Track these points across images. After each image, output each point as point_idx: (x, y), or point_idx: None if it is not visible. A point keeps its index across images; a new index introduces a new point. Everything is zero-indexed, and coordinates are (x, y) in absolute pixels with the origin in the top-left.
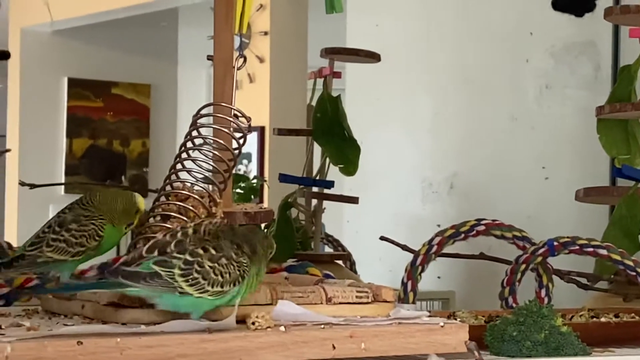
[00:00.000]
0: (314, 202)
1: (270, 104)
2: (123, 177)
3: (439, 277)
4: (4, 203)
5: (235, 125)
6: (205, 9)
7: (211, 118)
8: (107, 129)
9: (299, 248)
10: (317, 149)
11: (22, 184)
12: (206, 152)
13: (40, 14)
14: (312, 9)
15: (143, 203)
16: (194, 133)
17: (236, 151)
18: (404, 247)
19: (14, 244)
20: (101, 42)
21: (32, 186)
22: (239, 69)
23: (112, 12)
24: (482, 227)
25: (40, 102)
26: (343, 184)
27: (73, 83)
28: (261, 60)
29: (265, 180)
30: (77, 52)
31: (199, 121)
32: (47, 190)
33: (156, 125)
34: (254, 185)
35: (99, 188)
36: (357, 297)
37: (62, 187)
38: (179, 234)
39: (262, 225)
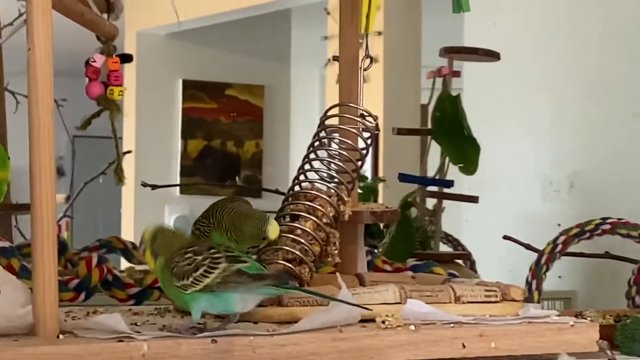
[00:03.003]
0: (433, 201)
1: (384, 104)
2: (237, 178)
3: (560, 277)
4: (121, 203)
5: (362, 125)
6: (319, 9)
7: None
8: (221, 130)
9: (418, 248)
10: (433, 149)
11: (144, 184)
12: (334, 152)
13: (155, 17)
14: (426, 8)
15: (276, 232)
16: (322, 134)
17: (364, 151)
18: (528, 246)
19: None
20: (215, 44)
21: (153, 187)
22: (365, 69)
23: (226, 15)
24: (607, 226)
25: (155, 104)
26: (462, 183)
27: (188, 85)
28: (375, 60)
29: (384, 180)
30: (192, 54)
31: (326, 121)
32: (163, 191)
33: (270, 126)
34: (372, 184)
35: (236, 204)
36: (485, 296)
37: (178, 188)
38: None
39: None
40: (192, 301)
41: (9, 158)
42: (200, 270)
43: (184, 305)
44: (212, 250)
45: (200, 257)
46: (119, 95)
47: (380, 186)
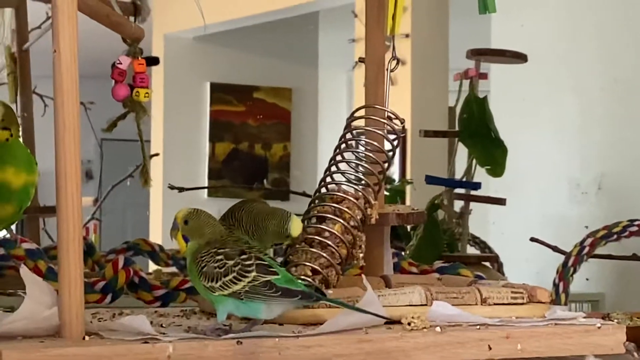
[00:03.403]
0: (460, 203)
1: (411, 106)
2: (265, 181)
3: (587, 279)
4: (149, 206)
5: (389, 127)
6: (346, 12)
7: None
8: (249, 133)
9: (445, 250)
10: (460, 151)
11: (171, 187)
12: (360, 154)
13: (183, 20)
14: (454, 10)
15: (299, 229)
16: (348, 135)
17: (390, 153)
18: (555, 248)
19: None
20: (243, 47)
21: (181, 189)
22: (391, 71)
23: (253, 18)
24: (635, 228)
25: (183, 107)
26: (488, 185)
27: (215, 88)
28: (402, 62)
29: (412, 182)
30: (220, 57)
31: (352, 123)
32: (190, 193)
33: (297, 129)
34: (399, 186)
35: (256, 205)
36: (512, 297)
37: (205, 190)
38: None
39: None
40: (219, 303)
41: (36, 163)
42: (230, 276)
43: (206, 297)
44: (244, 257)
45: (231, 262)
46: (145, 97)
47: (408, 188)
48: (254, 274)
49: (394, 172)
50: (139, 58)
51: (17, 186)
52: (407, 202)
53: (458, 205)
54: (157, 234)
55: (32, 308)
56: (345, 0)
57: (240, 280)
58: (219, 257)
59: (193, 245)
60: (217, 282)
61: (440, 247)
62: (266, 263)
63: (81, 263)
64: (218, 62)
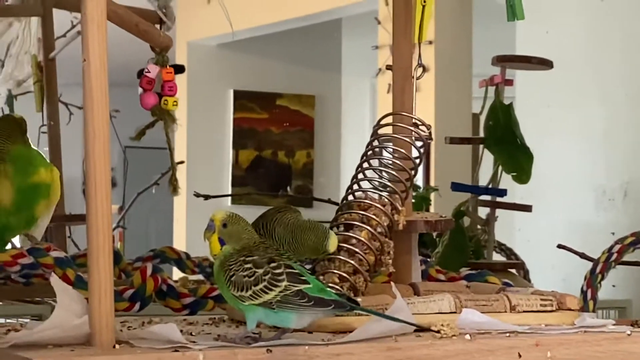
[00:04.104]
0: (486, 210)
1: (435, 113)
2: (288, 188)
3: (613, 286)
4: (173, 213)
5: (415, 134)
6: (369, 19)
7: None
8: (272, 140)
9: (471, 257)
10: (485, 157)
11: (196, 194)
12: (387, 161)
13: (206, 27)
14: (477, 16)
15: (335, 245)
16: (375, 143)
17: (417, 160)
18: (582, 255)
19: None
20: (266, 54)
21: (206, 197)
22: (418, 78)
23: (276, 25)
24: None
25: (206, 114)
26: (514, 192)
27: (239, 95)
28: (427, 69)
29: (437, 189)
30: (242, 64)
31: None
32: (214, 201)
33: (321, 136)
34: (425, 194)
35: (289, 215)
36: (541, 305)
37: (229, 198)
38: None
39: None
40: (249, 312)
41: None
42: (261, 285)
43: (234, 306)
44: (273, 265)
45: (261, 271)
46: (173, 105)
47: (432, 195)
48: (285, 283)
49: (418, 179)
50: (167, 67)
51: (49, 182)
52: (432, 210)
53: (483, 212)
54: (181, 242)
55: (63, 316)
56: (368, 7)
57: (271, 290)
58: (248, 266)
59: (227, 249)
60: (247, 291)
61: (467, 254)
62: (297, 271)
63: (111, 271)
64: (241, 70)
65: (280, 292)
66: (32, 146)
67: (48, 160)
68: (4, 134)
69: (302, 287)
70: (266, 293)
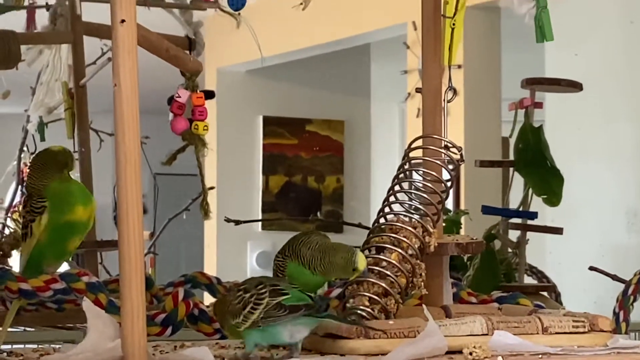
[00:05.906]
0: (516, 233)
1: (464, 137)
2: (319, 213)
3: None
4: (204, 239)
5: (447, 156)
6: (398, 44)
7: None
8: (302, 166)
9: (502, 280)
10: (516, 180)
11: (227, 220)
12: (418, 184)
13: (235, 54)
14: (505, 40)
15: (364, 263)
16: (406, 166)
17: (449, 182)
18: (614, 277)
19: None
20: (295, 80)
21: (237, 222)
22: (449, 101)
23: (305, 51)
24: None
25: (236, 140)
26: (545, 214)
27: (268, 121)
28: (457, 92)
29: (467, 212)
30: (272, 90)
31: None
32: (245, 226)
33: (350, 161)
34: (456, 217)
35: (315, 237)
36: (573, 326)
37: (260, 223)
38: None
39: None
40: (246, 336)
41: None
42: (248, 308)
43: (236, 337)
44: (259, 286)
45: (247, 295)
46: (204, 130)
47: (463, 219)
48: (267, 299)
49: (449, 202)
50: (198, 92)
51: (85, 220)
52: (462, 232)
53: (514, 235)
54: (212, 267)
55: (96, 340)
56: (397, 32)
57: (256, 309)
58: (239, 294)
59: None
60: (239, 317)
61: (498, 277)
62: (279, 287)
63: (143, 296)
64: (270, 96)
65: (263, 308)
66: (73, 178)
67: (87, 191)
68: (44, 168)
69: (280, 299)
70: (252, 313)
